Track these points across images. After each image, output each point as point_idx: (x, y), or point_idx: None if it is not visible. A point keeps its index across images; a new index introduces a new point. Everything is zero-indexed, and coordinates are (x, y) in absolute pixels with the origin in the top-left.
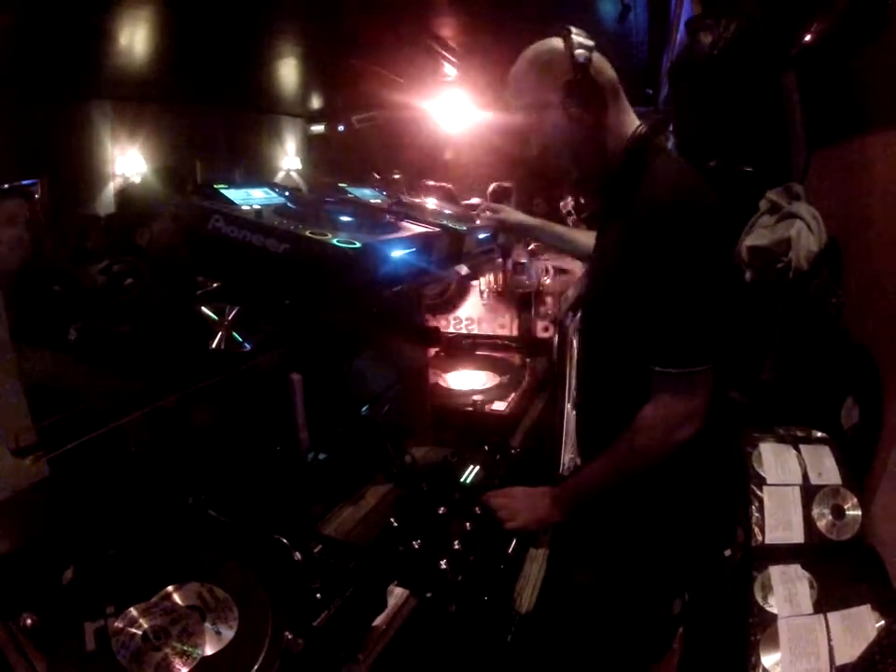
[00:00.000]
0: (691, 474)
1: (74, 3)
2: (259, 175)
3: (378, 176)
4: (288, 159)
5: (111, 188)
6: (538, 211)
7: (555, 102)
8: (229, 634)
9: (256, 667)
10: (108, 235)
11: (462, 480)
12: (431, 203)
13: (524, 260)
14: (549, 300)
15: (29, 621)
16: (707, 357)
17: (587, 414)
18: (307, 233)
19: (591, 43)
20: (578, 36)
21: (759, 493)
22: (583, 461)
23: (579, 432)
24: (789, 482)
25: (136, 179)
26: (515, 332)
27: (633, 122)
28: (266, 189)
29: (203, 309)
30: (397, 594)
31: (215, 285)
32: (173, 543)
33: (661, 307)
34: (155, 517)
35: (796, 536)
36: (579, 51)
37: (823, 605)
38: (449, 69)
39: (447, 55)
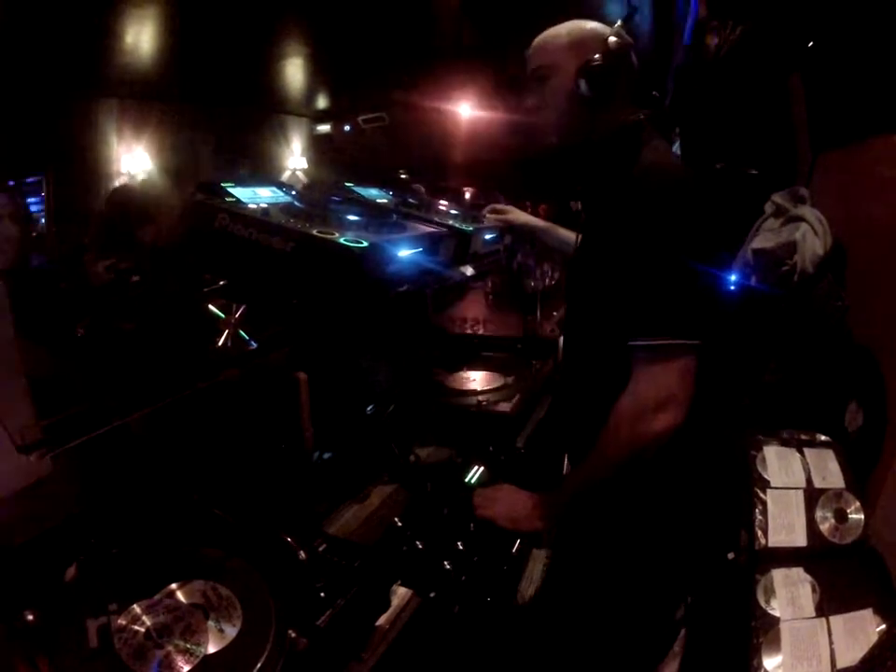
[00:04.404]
0: (694, 476)
1: (80, 0)
2: (265, 174)
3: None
4: (294, 158)
5: (117, 185)
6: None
7: (570, 72)
8: (232, 632)
9: (259, 666)
10: (108, 233)
11: (467, 480)
12: (438, 203)
13: (530, 262)
14: (554, 301)
15: (31, 617)
16: (679, 329)
17: (570, 409)
18: (314, 232)
19: (629, 40)
20: (620, 30)
21: (762, 496)
22: (570, 459)
23: (565, 428)
24: (792, 485)
25: (139, 178)
26: (521, 333)
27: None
28: (273, 188)
29: (210, 307)
30: (400, 593)
31: (221, 283)
32: (177, 541)
33: (635, 276)
34: (159, 514)
35: (799, 539)
36: (613, 39)
37: (825, 608)
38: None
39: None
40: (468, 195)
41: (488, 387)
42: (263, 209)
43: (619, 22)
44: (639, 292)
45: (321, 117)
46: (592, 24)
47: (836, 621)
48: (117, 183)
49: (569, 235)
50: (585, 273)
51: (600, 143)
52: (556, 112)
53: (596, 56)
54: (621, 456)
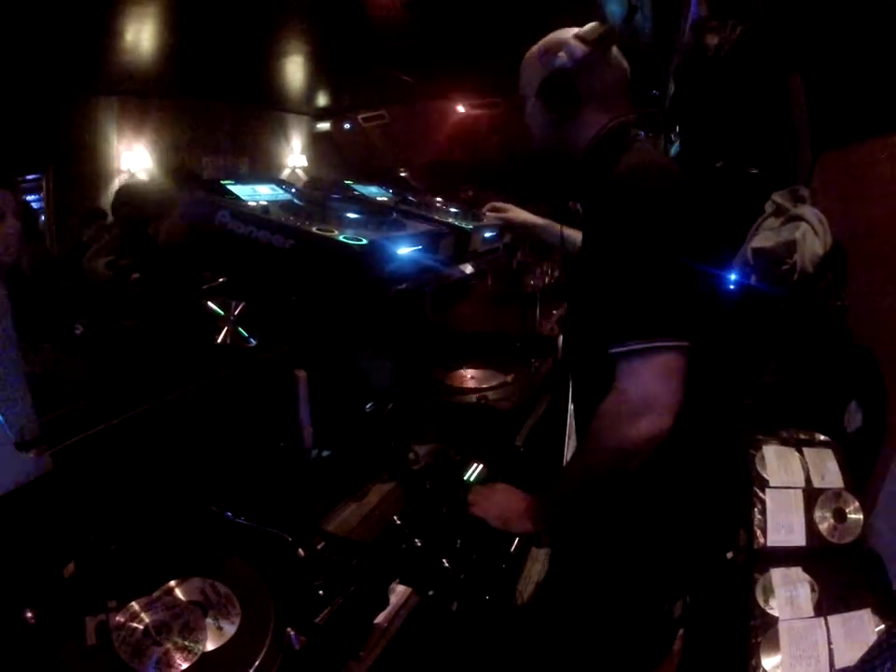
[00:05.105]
0: (693, 475)
1: None
2: (264, 172)
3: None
4: (294, 156)
5: (117, 183)
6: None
7: (533, 93)
8: (230, 629)
9: (257, 664)
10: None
11: (465, 478)
12: (438, 200)
13: (529, 260)
14: (554, 299)
15: (30, 614)
16: (661, 330)
17: (577, 406)
18: (313, 230)
19: (585, 49)
20: (576, 38)
21: (761, 495)
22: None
23: (577, 427)
24: (791, 484)
25: (140, 175)
26: (521, 331)
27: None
28: (272, 186)
29: (209, 304)
30: (399, 591)
31: (220, 280)
32: (176, 538)
33: (614, 279)
34: (158, 512)
35: (798, 539)
36: (560, 55)
37: (824, 608)
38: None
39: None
40: (469, 193)
41: (487, 385)
42: (263, 207)
43: (591, 25)
44: (620, 293)
45: (321, 115)
46: (558, 34)
47: (835, 620)
48: (118, 181)
49: (569, 232)
50: (581, 274)
51: (584, 152)
52: (536, 130)
53: (554, 67)
54: (604, 461)
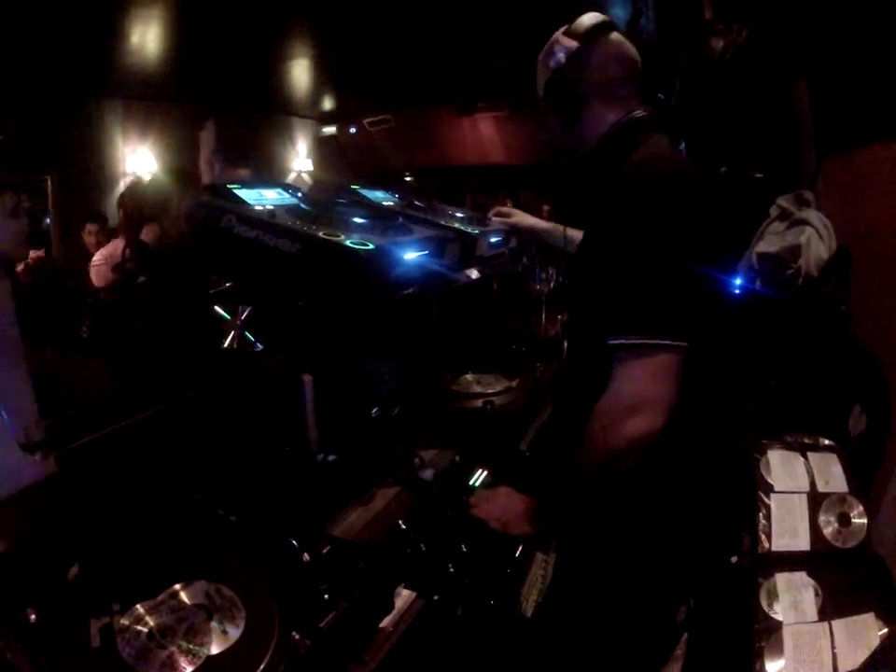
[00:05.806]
0: (698, 480)
1: (87, 2)
2: (270, 175)
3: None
4: (300, 160)
5: (122, 186)
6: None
7: (540, 95)
8: (235, 633)
9: (262, 667)
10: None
11: (470, 483)
12: (444, 205)
13: (534, 264)
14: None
15: (33, 616)
16: (656, 328)
17: (578, 408)
18: (320, 234)
19: (574, 44)
20: (565, 34)
21: (766, 500)
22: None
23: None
24: (796, 489)
25: (145, 177)
26: (526, 336)
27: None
28: (279, 190)
29: (216, 308)
30: (404, 595)
31: (227, 284)
32: (181, 541)
33: (617, 273)
34: (163, 515)
35: (802, 543)
36: (557, 55)
37: (828, 612)
38: None
39: None
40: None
41: (492, 390)
42: (269, 211)
43: (582, 17)
44: (619, 288)
45: (327, 118)
46: (556, 33)
47: (839, 625)
48: (122, 183)
49: (575, 236)
50: (581, 273)
51: (593, 150)
52: (550, 133)
53: (553, 67)
54: (598, 461)
